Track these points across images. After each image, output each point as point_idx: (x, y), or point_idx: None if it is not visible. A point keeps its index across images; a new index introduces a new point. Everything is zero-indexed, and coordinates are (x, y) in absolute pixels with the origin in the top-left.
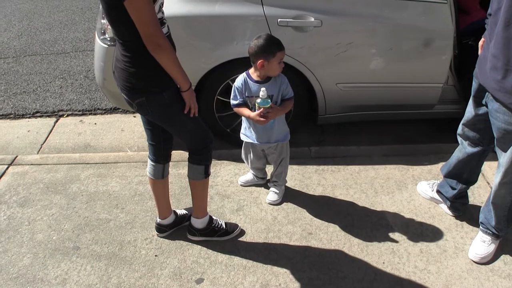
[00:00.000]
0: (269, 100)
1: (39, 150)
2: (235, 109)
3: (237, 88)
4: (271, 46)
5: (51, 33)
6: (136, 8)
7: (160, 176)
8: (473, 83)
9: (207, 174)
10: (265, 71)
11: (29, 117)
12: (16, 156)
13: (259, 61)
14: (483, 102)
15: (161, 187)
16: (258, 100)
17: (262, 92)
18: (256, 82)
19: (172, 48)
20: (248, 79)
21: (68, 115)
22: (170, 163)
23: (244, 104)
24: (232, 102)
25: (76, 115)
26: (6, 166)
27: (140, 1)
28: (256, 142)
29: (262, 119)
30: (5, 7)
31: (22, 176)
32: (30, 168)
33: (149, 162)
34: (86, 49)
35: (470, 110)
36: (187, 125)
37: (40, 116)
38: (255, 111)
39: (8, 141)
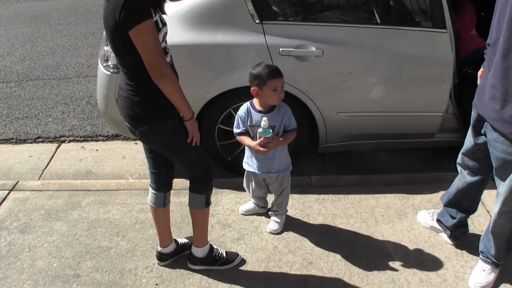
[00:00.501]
0: (270, 130)
1: (40, 176)
2: (238, 138)
3: (240, 117)
4: (263, 74)
5: (54, 58)
6: (141, 37)
7: (161, 205)
8: (472, 112)
9: (208, 203)
10: (261, 99)
11: (31, 142)
12: (18, 182)
13: (252, 89)
14: (482, 131)
15: (162, 215)
16: (259, 130)
17: (264, 122)
18: (259, 111)
19: (175, 77)
20: (251, 108)
21: (69, 141)
22: (171, 191)
23: (246, 133)
24: (235, 130)
25: (78, 141)
26: (7, 191)
27: (145, 30)
28: (257, 171)
29: (262, 149)
30: (8, 31)
31: (23, 202)
32: (31, 194)
33: (151, 190)
34: (88, 75)
35: (469, 140)
36: (189, 154)
37: (42, 142)
38: (256, 140)
39: (10, 166)
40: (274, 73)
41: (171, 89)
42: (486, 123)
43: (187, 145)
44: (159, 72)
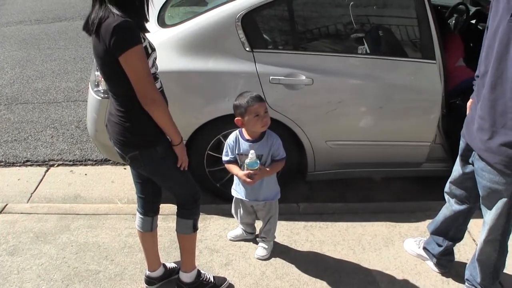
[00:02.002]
0: (257, 163)
1: (29, 199)
2: (226, 166)
3: (229, 145)
4: (242, 102)
5: (43, 82)
6: (131, 64)
7: (148, 229)
8: (461, 142)
9: (195, 228)
10: (247, 128)
11: (20, 166)
12: (6, 204)
13: (236, 119)
14: (470, 161)
15: (150, 239)
16: (247, 161)
17: (251, 154)
18: (247, 140)
19: (165, 103)
20: (239, 137)
21: (58, 165)
22: (160, 216)
23: (234, 161)
24: (224, 158)
25: (66, 165)
26: None
27: (135, 57)
28: (244, 198)
29: (248, 180)
30: None
31: (12, 225)
32: (20, 217)
33: (138, 215)
34: (78, 99)
35: (457, 169)
36: (178, 179)
37: (31, 165)
38: (243, 169)
39: None
40: (254, 99)
41: (160, 114)
42: (474, 152)
43: (175, 171)
44: (149, 98)
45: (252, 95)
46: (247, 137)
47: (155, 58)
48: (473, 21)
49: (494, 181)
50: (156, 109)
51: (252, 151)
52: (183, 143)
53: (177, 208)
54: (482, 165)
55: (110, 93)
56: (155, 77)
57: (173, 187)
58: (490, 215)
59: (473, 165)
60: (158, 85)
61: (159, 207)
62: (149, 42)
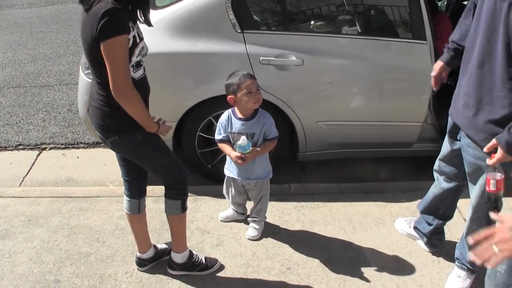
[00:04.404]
0: (248, 146)
1: (21, 183)
2: (219, 145)
3: (221, 124)
4: (234, 80)
5: (35, 66)
6: (110, 53)
7: (136, 212)
8: (449, 119)
9: (184, 208)
10: (239, 106)
11: (12, 150)
12: None
13: (228, 97)
14: (458, 137)
15: (138, 222)
16: (239, 142)
17: (242, 140)
18: (239, 119)
19: (138, 97)
20: (232, 116)
21: (50, 148)
22: (151, 198)
23: (227, 140)
24: (216, 136)
25: (58, 148)
26: None
27: (116, 47)
28: (236, 177)
29: (240, 161)
30: None
31: (4, 209)
32: (12, 201)
33: (125, 198)
34: (70, 83)
35: (446, 146)
36: (161, 161)
37: (23, 149)
38: (236, 148)
39: None
40: (245, 76)
41: (130, 109)
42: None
43: (157, 154)
44: (121, 91)
45: (243, 73)
46: (239, 115)
47: (143, 48)
48: (466, 2)
49: (478, 157)
50: (126, 103)
51: (243, 137)
52: (161, 120)
53: (165, 190)
54: (467, 142)
55: (93, 76)
56: (139, 64)
57: (157, 169)
58: (474, 192)
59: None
60: (140, 72)
61: (145, 190)
62: (138, 32)
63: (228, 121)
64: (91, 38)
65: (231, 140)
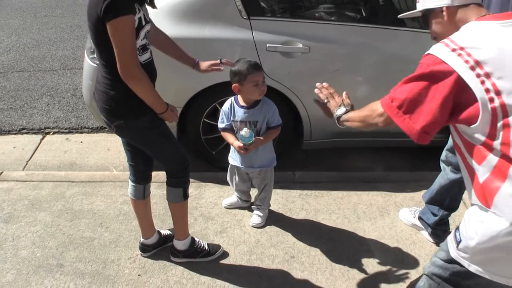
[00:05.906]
0: (251, 136)
1: (24, 167)
2: (222, 133)
3: (224, 112)
4: (242, 69)
5: (40, 50)
6: (117, 33)
7: (141, 197)
8: None
9: (185, 196)
10: (243, 94)
11: (15, 134)
12: (2, 172)
13: (233, 85)
14: None
15: (142, 207)
16: (242, 133)
17: (244, 131)
18: (242, 107)
19: (146, 77)
20: (235, 104)
21: (54, 133)
22: (155, 183)
23: (230, 128)
24: (219, 125)
25: (62, 133)
26: None
27: (122, 27)
28: (240, 165)
29: (242, 151)
30: None
31: (7, 192)
32: (15, 185)
33: (130, 183)
34: (74, 67)
35: None
36: (165, 148)
37: (27, 133)
38: (239, 136)
39: None
40: (253, 67)
41: (139, 90)
42: None
43: (162, 140)
44: (129, 72)
45: (251, 63)
46: (242, 103)
47: (148, 31)
48: None
49: None
50: (134, 84)
51: (245, 129)
52: (172, 107)
53: (167, 177)
54: None
55: (98, 60)
56: (145, 47)
57: (160, 156)
58: None
59: None
60: (147, 55)
61: (150, 175)
62: (145, 14)
63: (231, 110)
64: (96, 19)
65: (234, 128)
